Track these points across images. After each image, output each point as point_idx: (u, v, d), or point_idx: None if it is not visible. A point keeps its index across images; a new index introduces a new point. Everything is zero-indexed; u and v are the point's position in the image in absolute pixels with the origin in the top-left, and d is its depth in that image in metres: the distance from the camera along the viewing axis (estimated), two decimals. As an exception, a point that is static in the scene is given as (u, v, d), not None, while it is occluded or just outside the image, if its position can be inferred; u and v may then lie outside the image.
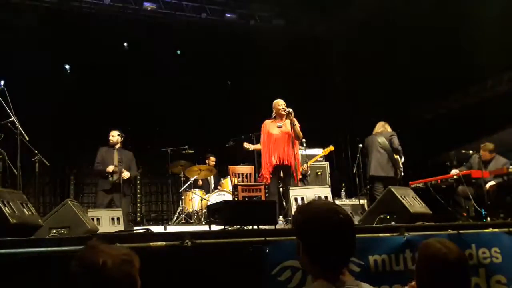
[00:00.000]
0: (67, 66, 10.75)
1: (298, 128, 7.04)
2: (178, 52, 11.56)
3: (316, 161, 9.27)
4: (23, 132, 6.10)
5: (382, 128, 8.28)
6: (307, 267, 2.12)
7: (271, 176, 7.01)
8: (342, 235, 2.02)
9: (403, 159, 8.02)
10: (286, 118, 7.03)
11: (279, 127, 7.15)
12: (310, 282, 2.13)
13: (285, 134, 7.03)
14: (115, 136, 8.08)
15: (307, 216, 2.09)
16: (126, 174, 7.90)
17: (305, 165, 8.54)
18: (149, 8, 10.61)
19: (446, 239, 2.74)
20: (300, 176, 7.46)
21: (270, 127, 7.18)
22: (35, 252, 3.04)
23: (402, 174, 8.03)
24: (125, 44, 11.03)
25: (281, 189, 7.46)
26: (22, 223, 3.55)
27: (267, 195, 7.32)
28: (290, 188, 6.12)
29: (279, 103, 7.15)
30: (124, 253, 1.86)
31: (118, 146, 8.09)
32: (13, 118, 6.00)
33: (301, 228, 2.11)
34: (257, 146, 7.45)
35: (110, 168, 7.83)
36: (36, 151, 6.58)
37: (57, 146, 10.37)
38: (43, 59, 9.67)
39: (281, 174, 7.11)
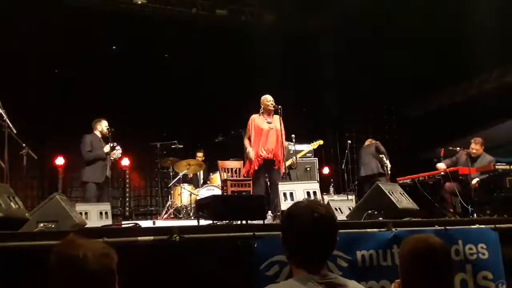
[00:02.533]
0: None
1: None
2: (166, 55, 11.52)
3: (305, 156, 9.28)
4: (11, 125, 6.05)
5: (369, 143, 9.61)
6: (288, 260, 2.31)
7: (258, 168, 7.01)
8: (315, 232, 2.14)
9: (388, 161, 8.80)
10: (274, 114, 7.03)
11: (268, 123, 7.16)
12: (287, 273, 2.32)
13: (275, 130, 7.04)
14: (107, 126, 7.89)
15: (287, 214, 2.28)
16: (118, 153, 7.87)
17: (293, 158, 8.54)
18: (139, 2, 10.52)
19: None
20: (287, 170, 7.42)
21: (259, 121, 7.17)
22: (21, 246, 3.02)
23: (389, 172, 8.63)
24: (114, 47, 10.98)
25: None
26: (9, 217, 3.51)
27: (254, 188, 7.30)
28: (279, 183, 6.13)
29: (268, 99, 7.15)
30: (103, 246, 1.87)
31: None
32: (1, 111, 5.93)
33: (282, 224, 2.32)
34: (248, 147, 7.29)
35: (108, 148, 7.64)
36: (24, 144, 6.53)
37: (46, 139, 10.31)
38: (31, 54, 9.61)
39: (268, 168, 7.10)
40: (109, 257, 1.84)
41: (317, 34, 12.03)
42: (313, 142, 9.32)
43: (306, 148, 9.29)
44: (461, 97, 10.65)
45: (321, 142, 9.35)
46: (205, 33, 11.18)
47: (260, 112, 7.24)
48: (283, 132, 7.19)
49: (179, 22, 11.15)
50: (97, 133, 7.97)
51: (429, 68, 10.18)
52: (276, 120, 7.08)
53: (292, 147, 8.59)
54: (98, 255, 1.80)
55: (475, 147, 7.78)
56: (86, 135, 7.87)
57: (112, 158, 7.84)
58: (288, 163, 8.02)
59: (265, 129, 7.11)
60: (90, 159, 7.71)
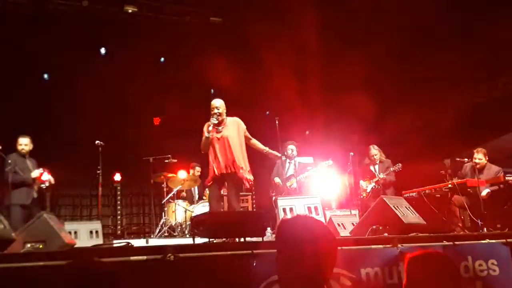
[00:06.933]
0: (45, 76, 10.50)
1: (257, 142, 6.48)
2: (162, 59, 11.36)
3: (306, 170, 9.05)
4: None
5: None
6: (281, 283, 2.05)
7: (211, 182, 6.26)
8: (310, 251, 1.91)
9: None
10: (224, 124, 6.28)
11: (219, 132, 6.32)
12: None
13: (225, 139, 6.23)
14: (28, 144, 7.35)
15: (280, 231, 2.05)
16: (52, 178, 7.30)
17: (293, 180, 8.20)
18: (130, 11, 10.37)
19: None
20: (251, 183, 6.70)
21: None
22: (8, 268, 2.97)
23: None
24: (102, 50, 10.80)
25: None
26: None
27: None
28: (279, 198, 5.99)
29: (212, 105, 6.32)
30: None
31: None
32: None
33: (276, 241, 2.08)
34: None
35: (36, 173, 7.10)
36: (9, 161, 6.39)
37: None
38: (16, 62, 9.44)
39: (225, 182, 6.40)
40: None
41: (309, 49, 11.90)
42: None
43: (308, 161, 8.99)
44: (468, 107, 10.50)
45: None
46: (196, 41, 11.00)
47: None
48: (244, 134, 6.35)
49: (172, 29, 10.98)
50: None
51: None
52: (229, 127, 6.26)
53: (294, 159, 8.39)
54: None
55: (478, 157, 7.59)
56: (9, 154, 7.15)
57: (43, 186, 7.25)
58: (289, 184, 7.94)
59: (215, 138, 6.30)
60: (16, 182, 7.08)
